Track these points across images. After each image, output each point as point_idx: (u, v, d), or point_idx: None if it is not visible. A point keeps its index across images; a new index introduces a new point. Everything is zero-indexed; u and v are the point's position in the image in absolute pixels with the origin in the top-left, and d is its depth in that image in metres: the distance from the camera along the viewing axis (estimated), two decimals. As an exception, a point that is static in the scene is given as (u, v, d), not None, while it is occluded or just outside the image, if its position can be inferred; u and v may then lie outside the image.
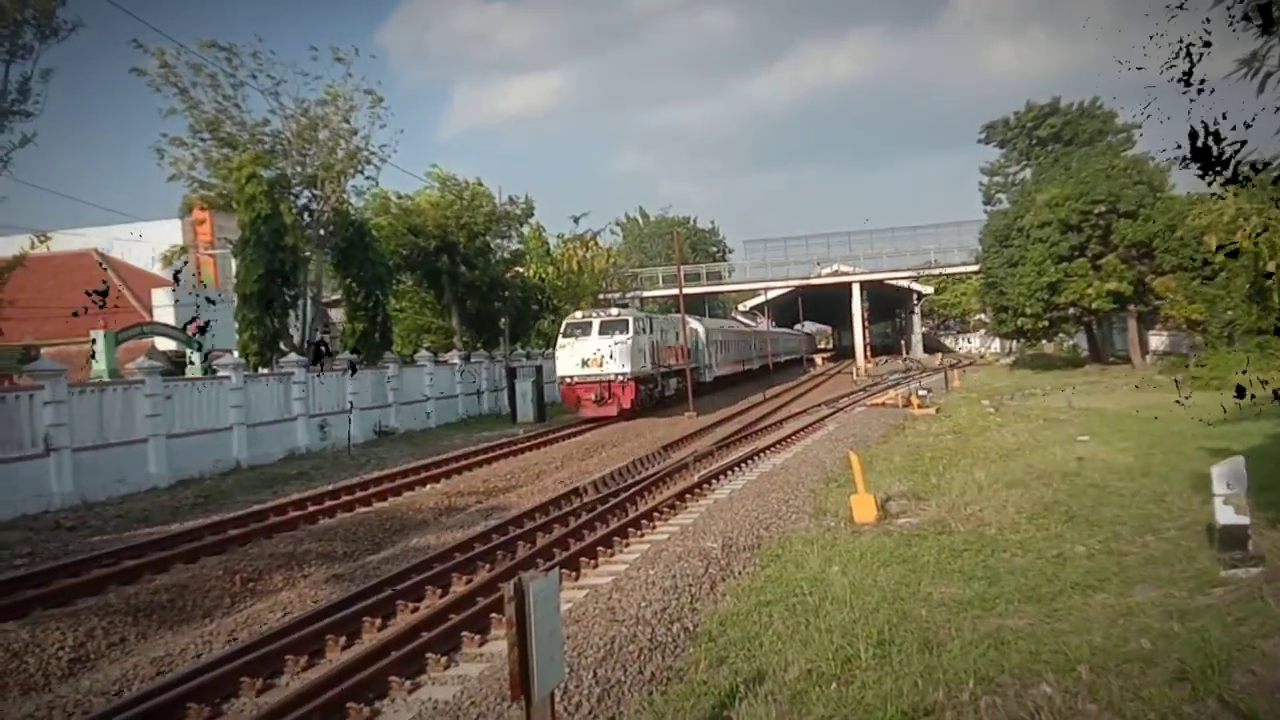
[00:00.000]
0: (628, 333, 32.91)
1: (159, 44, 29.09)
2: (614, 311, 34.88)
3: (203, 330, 24.93)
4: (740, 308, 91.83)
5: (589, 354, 32.56)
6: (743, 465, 20.61)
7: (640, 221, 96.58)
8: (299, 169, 31.90)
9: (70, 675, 9.57)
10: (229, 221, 32.71)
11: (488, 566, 12.51)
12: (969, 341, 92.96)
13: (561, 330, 34.29)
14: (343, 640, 9.72)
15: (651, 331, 36.06)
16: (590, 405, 32.44)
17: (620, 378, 32.24)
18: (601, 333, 32.91)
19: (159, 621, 11.08)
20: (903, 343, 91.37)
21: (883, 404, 33.94)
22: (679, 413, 35.39)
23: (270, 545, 14.37)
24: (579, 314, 35.03)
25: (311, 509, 17.16)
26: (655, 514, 15.27)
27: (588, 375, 32.39)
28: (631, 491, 17.23)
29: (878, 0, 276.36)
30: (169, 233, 35.01)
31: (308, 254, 31.34)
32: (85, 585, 12.30)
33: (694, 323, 47.38)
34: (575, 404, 32.94)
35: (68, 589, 12.08)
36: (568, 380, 32.88)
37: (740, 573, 11.09)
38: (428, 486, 20.10)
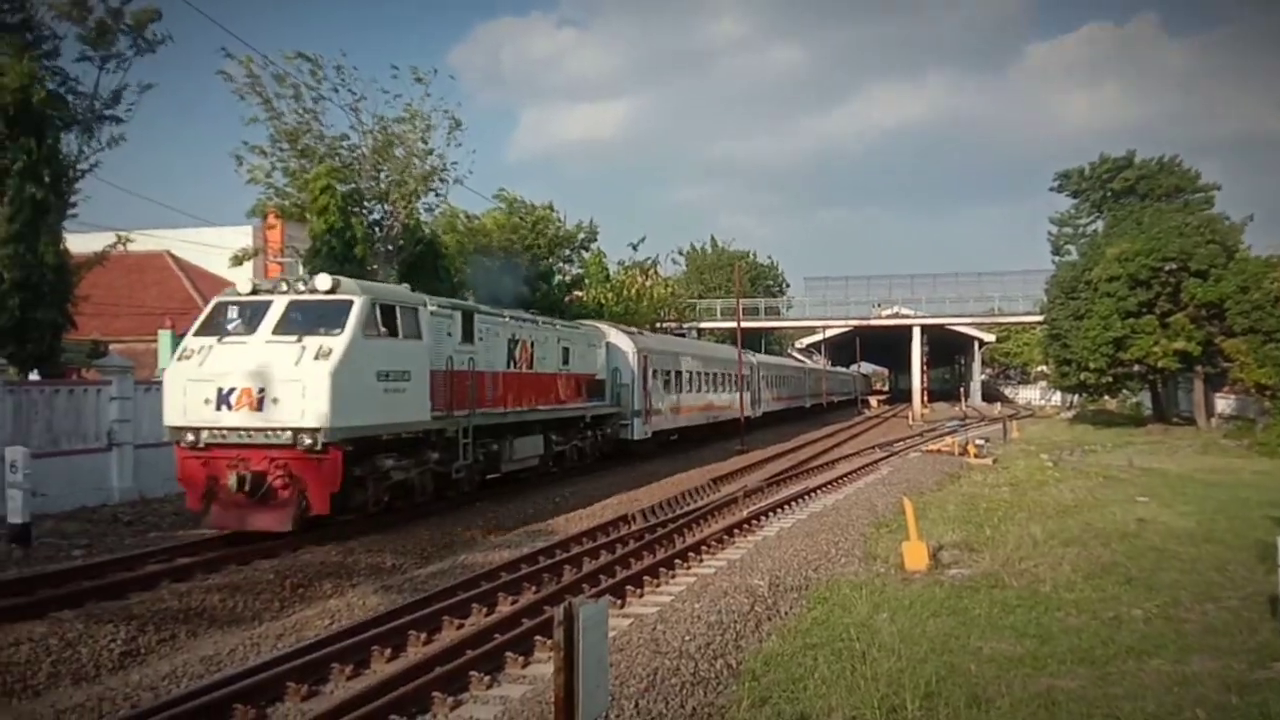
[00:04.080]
0: (344, 330, 14.91)
1: (246, 53, 29.83)
2: (322, 282, 15.54)
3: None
4: (797, 344, 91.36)
5: (232, 377, 14.72)
6: (793, 503, 20.46)
7: (705, 251, 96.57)
8: (373, 184, 32.50)
9: (120, 668, 9.75)
10: (300, 231, 33.41)
11: (533, 588, 12.55)
12: (1029, 392, 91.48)
13: (196, 324, 16.03)
14: (388, 652, 9.80)
15: (469, 338, 19.22)
16: (229, 503, 14.72)
17: (308, 438, 14.39)
18: (281, 329, 15.09)
19: (209, 621, 11.26)
20: (961, 389, 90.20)
21: (938, 451, 33.45)
22: (728, 446, 35.23)
23: (321, 553, 14.55)
24: (244, 285, 16.24)
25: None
26: (703, 547, 15.20)
27: (226, 429, 14.72)
28: (679, 523, 17.18)
29: (951, 46, 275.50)
30: (241, 238, 35.79)
31: (374, 267, 31.83)
32: (139, 580, 12.55)
33: (688, 352, 36.53)
34: (200, 493, 15.00)
35: (122, 582, 12.34)
36: (186, 440, 14.93)
37: (786, 613, 11.00)
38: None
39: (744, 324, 48.37)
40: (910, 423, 58.48)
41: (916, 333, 75.27)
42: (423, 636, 10.30)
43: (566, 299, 47.14)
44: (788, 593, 11.91)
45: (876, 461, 30.36)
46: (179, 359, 15.58)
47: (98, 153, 24.19)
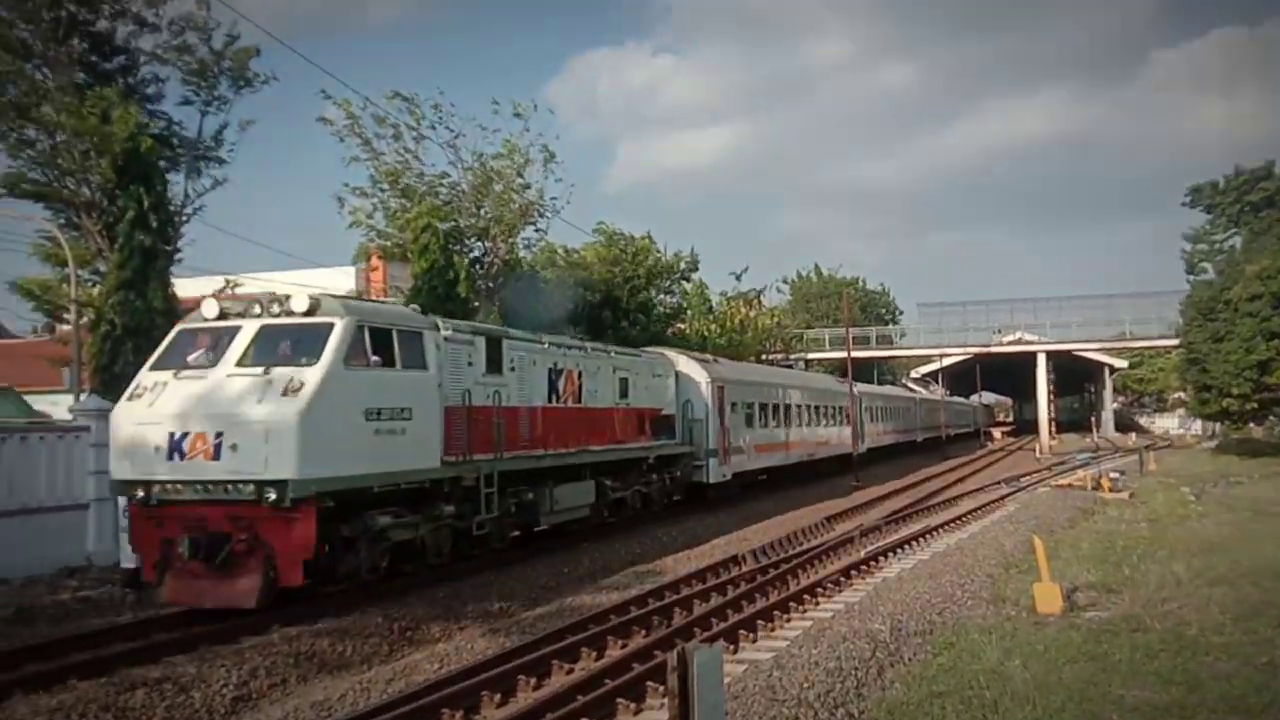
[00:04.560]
0: (320, 360, 12.98)
1: (345, 95, 31.01)
2: (298, 302, 13.76)
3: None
4: (912, 374, 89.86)
5: (185, 419, 12.77)
6: (913, 543, 20.09)
7: (812, 279, 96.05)
8: (473, 221, 33.32)
9: (233, 713, 10.09)
10: (402, 271, 34.40)
11: (643, 632, 12.58)
12: (1166, 421, 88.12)
13: (154, 356, 14.18)
14: (498, 697, 9.93)
15: (494, 367, 17.11)
16: (184, 572, 12.76)
17: (273, 493, 12.34)
18: (247, 359, 13.25)
19: (319, 665, 11.56)
20: (1092, 419, 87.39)
21: (1069, 485, 32.46)
22: (841, 483, 34.79)
23: (429, 594, 14.85)
24: (209, 307, 14.14)
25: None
26: (819, 589, 15.04)
27: (180, 482, 12.76)
28: (793, 564, 17.03)
29: (1071, 56, 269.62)
30: (345, 280, 37.03)
31: (476, 305, 32.55)
32: (251, 624, 12.96)
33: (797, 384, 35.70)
34: (154, 558, 13.06)
35: (235, 626, 12.77)
36: (136, 495, 13.02)
37: (910, 659, 10.79)
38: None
39: (854, 354, 47.87)
40: (1038, 455, 56.90)
41: (1041, 360, 73.37)
42: (532, 681, 10.41)
43: (668, 331, 47.34)
44: (911, 638, 11.67)
45: (1002, 498, 29.61)
46: (128, 398, 13.51)
47: (201, 196, 25.34)
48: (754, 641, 12.31)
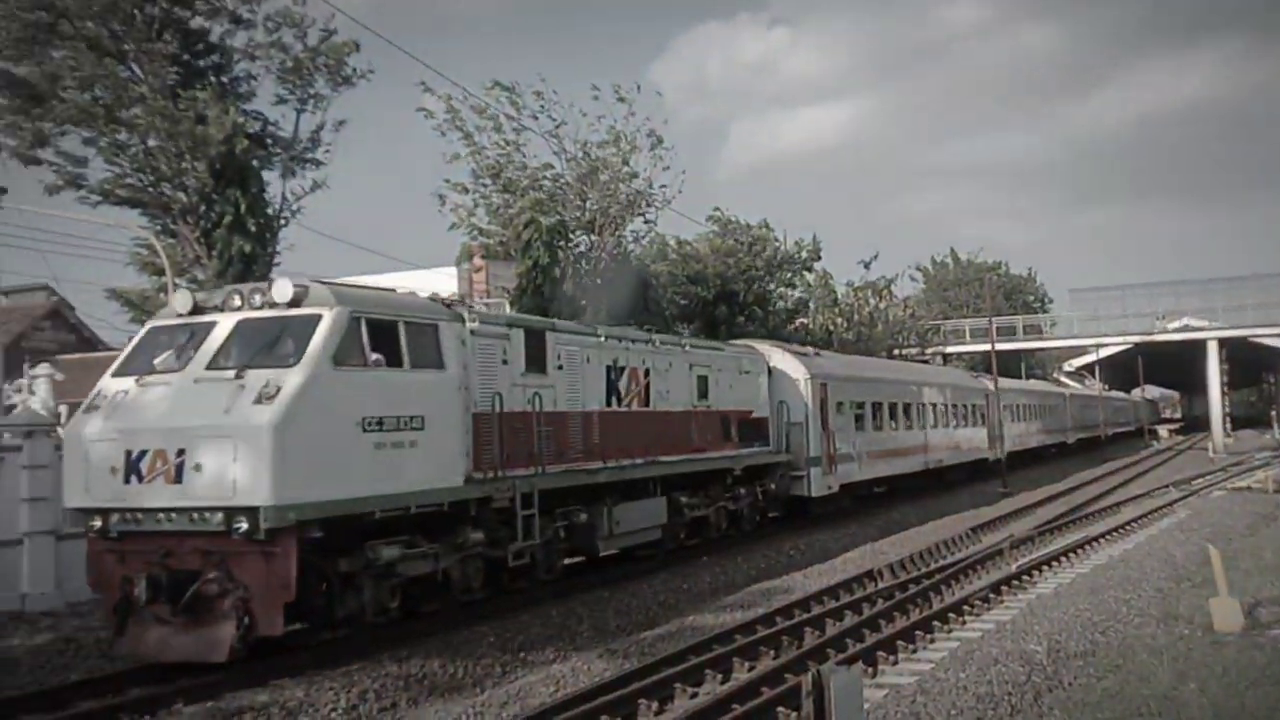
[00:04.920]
0: (303, 359, 11.61)
1: (443, 88, 31.65)
2: (281, 290, 12.29)
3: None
4: (1064, 368, 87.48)
5: (143, 434, 11.61)
6: (1071, 555, 19.58)
7: (948, 265, 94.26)
8: (578, 214, 33.64)
9: (343, 737, 10.42)
10: (506, 270, 34.96)
11: (772, 653, 12.56)
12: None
13: (119, 359, 13.20)
14: (617, 722, 10.03)
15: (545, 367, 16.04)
16: (145, 618, 11.60)
17: (244, 522, 10.95)
18: (220, 360, 12.00)
19: (429, 688, 11.86)
20: (1272, 414, 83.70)
21: (1247, 488, 31.24)
22: (987, 490, 34.10)
23: (542, 612, 15.10)
24: (182, 300, 13.15)
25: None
26: (965, 606, 14.79)
27: (139, 510, 11.50)
28: (935, 579, 16.79)
29: (1234, 8, 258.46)
30: (447, 281, 37.79)
31: (584, 303, 32.86)
32: (355, 649, 13.29)
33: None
34: (114, 596, 11.65)
35: (343, 648, 13.14)
36: (93, 526, 11.86)
37: (1070, 684, 10.56)
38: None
39: (999, 346, 46.75)
40: (1211, 455, 54.83)
41: (1213, 348, 70.52)
42: (654, 705, 10.50)
43: (789, 326, 47.05)
44: (1071, 660, 11.43)
45: (1171, 503, 28.64)
46: (84, 410, 12.44)
47: (300, 199, 26.12)
48: (894, 664, 12.19)
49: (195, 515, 11.25)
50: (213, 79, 24.34)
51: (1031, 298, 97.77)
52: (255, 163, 24.03)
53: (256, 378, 11.44)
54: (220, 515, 11.11)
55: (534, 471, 15.28)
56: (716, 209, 46.29)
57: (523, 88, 32.32)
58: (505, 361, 15.08)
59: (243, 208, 23.27)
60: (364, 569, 12.61)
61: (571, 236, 34.12)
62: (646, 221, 36.59)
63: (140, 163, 23.19)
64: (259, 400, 11.20)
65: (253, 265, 23.41)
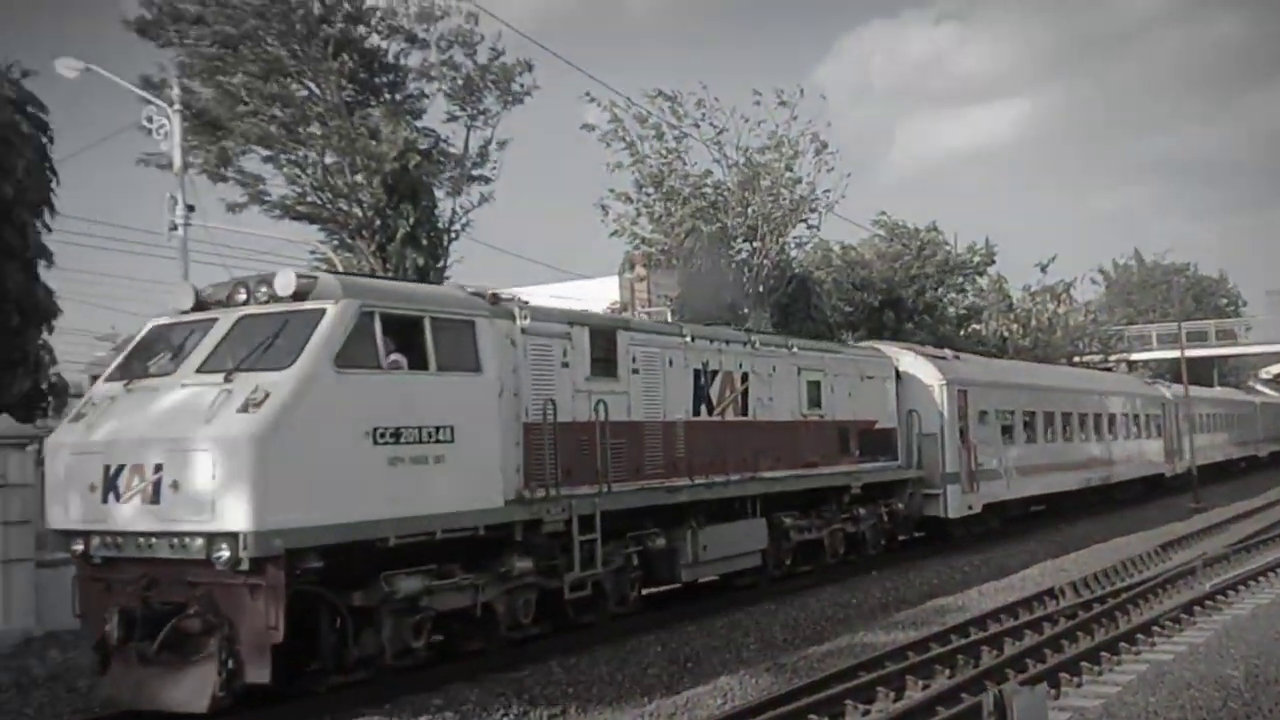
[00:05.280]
0: (297, 361, 10.21)
1: (606, 98, 32.11)
2: (283, 282, 10.88)
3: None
4: (1261, 374, 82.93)
5: (121, 446, 10.34)
6: (1271, 574, 18.53)
7: (1131, 267, 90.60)
8: (739, 221, 33.65)
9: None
10: (667, 279, 35.23)
11: (947, 671, 12.28)
12: None
13: (114, 362, 12.60)
14: (787, 738, 9.96)
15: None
16: (126, 657, 10.16)
17: (225, 550, 9.55)
18: (214, 361, 10.64)
19: (598, 697, 11.99)
20: None
21: None
22: (1177, 504, 32.56)
23: (708, 624, 15.13)
24: (184, 295, 11.76)
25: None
26: (1154, 627, 14.17)
27: (118, 534, 10.31)
28: (1121, 598, 16.13)
29: None
30: (610, 290, 38.32)
31: (745, 310, 32.85)
32: (530, 652, 13.53)
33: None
34: (99, 630, 10.37)
35: (516, 654, 13.42)
36: (75, 549, 10.68)
37: (1271, 711, 10.01)
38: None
39: (1188, 352, 44.47)
40: None
41: None
42: (824, 722, 10.39)
43: (960, 333, 46.02)
44: (1270, 686, 10.82)
45: (1383, 521, 26.79)
46: (70, 420, 11.60)
47: (468, 212, 27.00)
48: (1078, 686, 11.76)
49: (175, 541, 9.86)
50: (387, 97, 25.38)
51: (1224, 300, 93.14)
52: (426, 178, 24.92)
53: (245, 382, 10.02)
54: (200, 541, 9.68)
55: (598, 490, 13.57)
56: (882, 213, 45.73)
57: (685, 96, 32.52)
58: (566, 364, 13.59)
59: (414, 221, 24.19)
60: (383, 603, 10.95)
61: (733, 244, 34.16)
62: (810, 227, 36.33)
63: (318, 180, 24.33)
64: (244, 408, 9.76)
65: (425, 278, 24.25)
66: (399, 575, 11.04)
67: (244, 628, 9.77)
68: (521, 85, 26.21)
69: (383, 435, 10.63)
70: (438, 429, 11.23)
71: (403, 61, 26.07)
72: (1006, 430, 26.12)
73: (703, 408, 16.21)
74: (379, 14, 25.18)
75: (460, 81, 25.83)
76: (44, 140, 19.65)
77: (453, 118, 26.65)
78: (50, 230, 18.81)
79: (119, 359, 12.02)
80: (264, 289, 11.07)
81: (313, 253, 26.91)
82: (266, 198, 24.62)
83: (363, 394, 10.66)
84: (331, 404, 10.31)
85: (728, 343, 17.12)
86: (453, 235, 26.25)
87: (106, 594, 10.40)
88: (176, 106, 21.07)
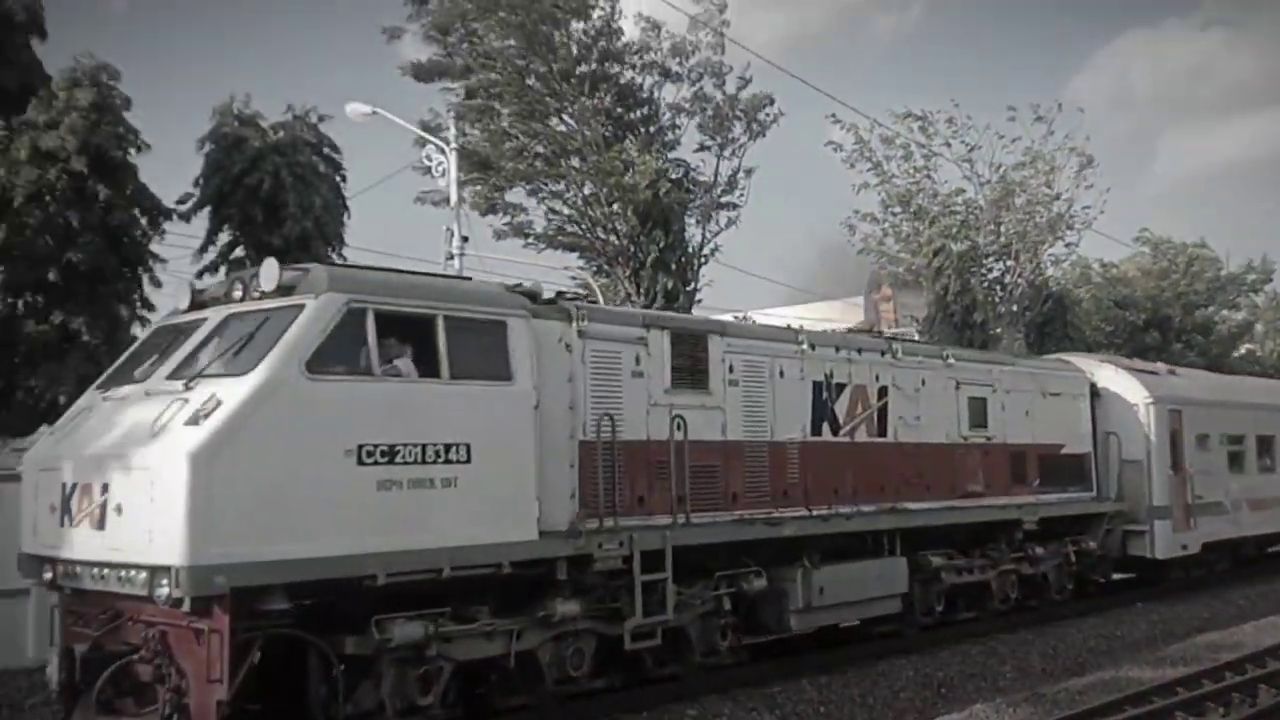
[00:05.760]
0: (259, 366, 8.68)
1: (851, 119, 32.21)
2: (268, 275, 9.36)
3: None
4: None
5: (77, 463, 9.27)
6: None
7: None
8: (992, 239, 33.03)
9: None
10: (913, 299, 34.92)
11: (1221, 709, 11.78)
12: None
13: (108, 371, 10.91)
14: (1047, 768, 9.83)
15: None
16: (84, 701, 8.83)
17: (163, 586, 8.10)
18: (187, 365, 9.35)
19: (849, 717, 12.11)
20: None
21: None
22: None
23: (960, 649, 15.02)
24: (183, 295, 10.74)
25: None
26: None
27: (75, 563, 9.08)
28: None
29: None
30: (854, 312, 38.31)
31: (998, 330, 32.16)
32: (780, 672, 13.83)
33: None
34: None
35: (766, 669, 13.70)
36: (45, 575, 9.49)
37: None
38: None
39: None
40: None
41: None
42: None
43: (1232, 354, 43.45)
44: None
45: None
46: (51, 430, 10.72)
47: (715, 236, 27.79)
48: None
49: (122, 573, 8.52)
50: (641, 130, 26.48)
51: None
52: (677, 206, 25.80)
53: (203, 390, 8.67)
54: (144, 575, 8.28)
55: (673, 520, 11.60)
56: (1144, 229, 43.83)
57: (934, 115, 32.23)
58: (640, 373, 11.74)
59: (664, 247, 25.07)
60: (384, 652, 9.32)
61: (985, 263, 33.54)
62: (1067, 245, 35.18)
63: (577, 211, 25.64)
64: (193, 420, 8.39)
65: (675, 301, 25.10)
66: (397, 619, 9.31)
67: (192, 678, 8.39)
68: (768, 115, 26.83)
69: (370, 454, 9.01)
70: (448, 447, 9.55)
71: (656, 95, 27.14)
72: (1235, 458, 22.38)
73: (824, 426, 13.94)
74: (633, 50, 26.27)
75: (710, 113, 26.64)
76: (338, 179, 21.54)
77: (703, 148, 27.54)
78: (344, 259, 20.50)
79: (115, 365, 10.83)
80: (256, 283, 9.62)
81: (573, 278, 28.28)
82: (529, 230, 26.12)
83: (344, 405, 9.01)
84: (299, 416, 8.71)
85: (860, 351, 14.79)
86: (702, 260, 27.02)
87: (82, 629, 9.22)
88: (453, 146, 22.64)
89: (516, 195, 26.27)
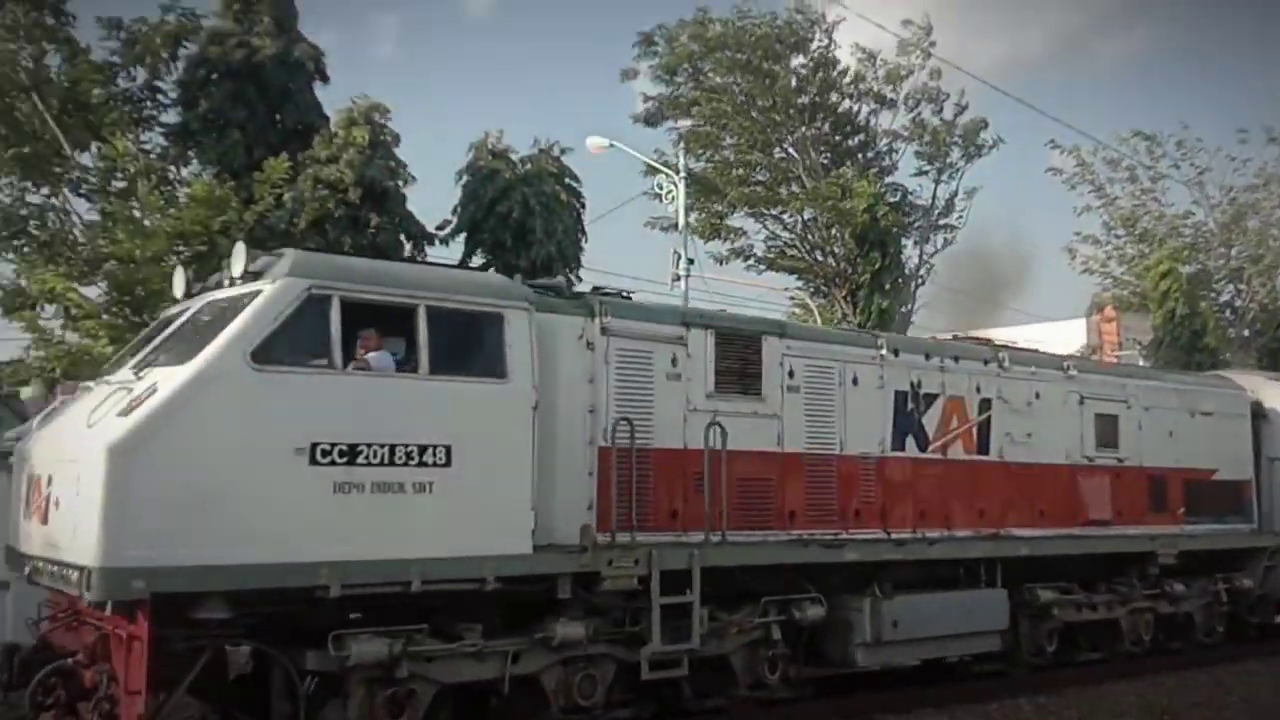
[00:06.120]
0: (199, 355, 8.11)
1: (1073, 142, 31.95)
2: (237, 260, 8.75)
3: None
4: None
5: (36, 456, 9.20)
6: None
7: None
8: (1222, 262, 32.11)
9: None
10: (1138, 322, 34.10)
11: None
12: None
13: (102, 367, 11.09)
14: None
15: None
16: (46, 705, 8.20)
17: (89, 587, 7.58)
18: (145, 360, 8.78)
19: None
20: None
21: None
22: None
23: (1189, 676, 14.83)
24: (178, 282, 10.12)
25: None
26: None
27: (33, 559, 8.84)
28: None
29: None
30: (1076, 335, 37.50)
31: (1227, 356, 31.16)
32: (1001, 689, 14.08)
33: None
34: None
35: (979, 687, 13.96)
36: (25, 569, 9.06)
37: None
38: None
39: None
40: None
41: None
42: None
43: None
44: None
45: None
46: (39, 422, 10.43)
47: (931, 257, 28.15)
48: None
49: (62, 571, 8.09)
50: (859, 157, 27.17)
51: None
52: (894, 229, 26.30)
53: (149, 379, 8.24)
54: (77, 574, 7.78)
55: (707, 535, 10.51)
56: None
57: (1163, 136, 31.67)
58: (677, 375, 10.72)
59: (878, 268, 25.59)
60: (350, 670, 8.52)
61: (1214, 286, 32.59)
62: (1307, 269, 33.73)
63: (796, 235, 26.52)
64: (126, 411, 7.92)
65: (889, 322, 25.57)
66: (360, 635, 8.55)
67: (120, 687, 7.87)
68: (986, 139, 27.10)
69: (326, 453, 8.24)
70: (422, 449, 8.68)
71: (872, 123, 27.72)
72: None
73: (908, 440, 12.59)
74: (849, 79, 26.95)
75: (927, 138, 27.05)
76: (579, 206, 23.01)
77: (921, 172, 27.95)
78: (581, 281, 21.95)
79: (116, 355, 10.56)
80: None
81: (791, 299, 29.14)
82: (751, 253, 27.15)
83: (296, 399, 8.28)
84: (240, 409, 8.04)
85: (955, 359, 13.31)
86: (919, 280, 27.42)
87: (52, 625, 8.96)
88: (682, 175, 23.81)
89: (738, 220, 27.38)
